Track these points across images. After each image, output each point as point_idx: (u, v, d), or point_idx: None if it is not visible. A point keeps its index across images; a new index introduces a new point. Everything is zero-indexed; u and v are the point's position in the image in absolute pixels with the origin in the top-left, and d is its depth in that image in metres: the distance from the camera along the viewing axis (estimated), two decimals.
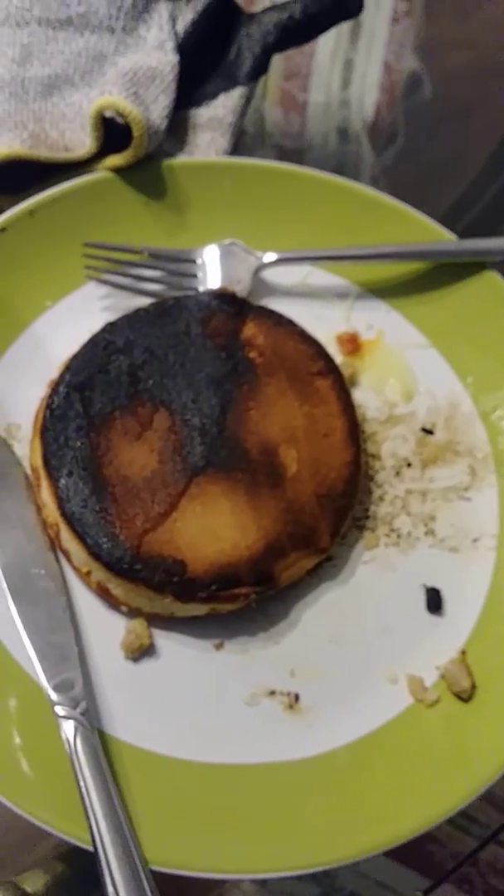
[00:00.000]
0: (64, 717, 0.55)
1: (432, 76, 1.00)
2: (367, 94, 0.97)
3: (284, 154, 0.95)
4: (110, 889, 0.51)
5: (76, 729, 0.55)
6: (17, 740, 0.57)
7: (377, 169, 0.96)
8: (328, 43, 0.98)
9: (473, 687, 0.61)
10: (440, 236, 0.73)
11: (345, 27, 0.99)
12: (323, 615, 0.64)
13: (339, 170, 0.78)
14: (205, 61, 0.78)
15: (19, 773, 0.56)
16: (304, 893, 0.69)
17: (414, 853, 0.70)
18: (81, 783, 0.53)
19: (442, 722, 0.61)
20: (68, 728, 0.55)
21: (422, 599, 0.65)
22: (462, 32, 1.05)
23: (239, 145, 0.81)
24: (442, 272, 0.73)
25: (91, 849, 0.52)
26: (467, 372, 0.71)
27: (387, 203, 0.74)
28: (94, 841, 0.52)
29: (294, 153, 0.96)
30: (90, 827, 0.52)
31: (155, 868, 0.53)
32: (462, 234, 0.74)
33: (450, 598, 0.65)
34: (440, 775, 0.59)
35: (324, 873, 0.65)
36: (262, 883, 0.67)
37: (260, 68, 0.78)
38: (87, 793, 0.53)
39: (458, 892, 0.74)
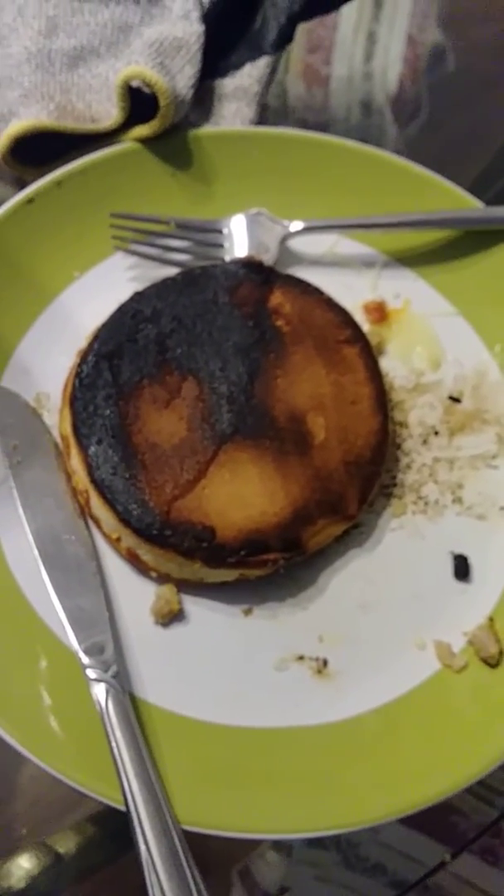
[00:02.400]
0: (95, 679, 0.56)
1: (456, 48, 0.99)
2: (390, 67, 0.96)
3: (308, 128, 0.92)
4: (142, 847, 0.52)
5: (107, 691, 0.56)
6: (50, 703, 0.58)
7: (401, 142, 0.95)
8: (351, 15, 0.98)
9: (501, 653, 0.61)
10: (467, 204, 0.73)
11: (368, 0, 0.99)
12: (351, 581, 0.64)
13: (363, 143, 0.78)
14: (230, 31, 0.78)
15: (53, 735, 0.57)
16: (327, 861, 0.69)
17: (438, 824, 0.71)
18: (113, 744, 0.54)
19: (469, 687, 0.61)
20: (99, 691, 0.56)
21: (449, 566, 0.65)
22: (485, 4, 1.04)
23: (262, 119, 0.81)
24: (469, 240, 0.73)
25: (123, 808, 0.53)
26: (495, 340, 0.71)
27: (414, 171, 0.74)
28: (126, 800, 0.53)
29: (317, 127, 0.94)
30: (122, 787, 0.53)
31: (185, 827, 0.54)
32: (489, 205, 0.73)
33: (477, 564, 0.65)
34: (466, 740, 0.59)
35: (346, 842, 0.66)
36: (288, 853, 0.68)
37: (285, 37, 0.78)
38: (119, 754, 0.54)
39: (482, 863, 0.74)
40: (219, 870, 0.65)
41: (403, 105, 0.96)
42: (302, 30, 0.93)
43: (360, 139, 0.92)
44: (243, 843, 0.65)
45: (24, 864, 0.61)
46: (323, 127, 0.94)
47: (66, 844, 0.63)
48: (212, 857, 0.61)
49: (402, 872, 0.67)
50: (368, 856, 0.71)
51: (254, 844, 0.66)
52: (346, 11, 0.97)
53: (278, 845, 0.67)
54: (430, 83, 0.97)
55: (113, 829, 0.63)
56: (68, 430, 0.64)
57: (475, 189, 0.75)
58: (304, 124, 0.94)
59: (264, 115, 0.83)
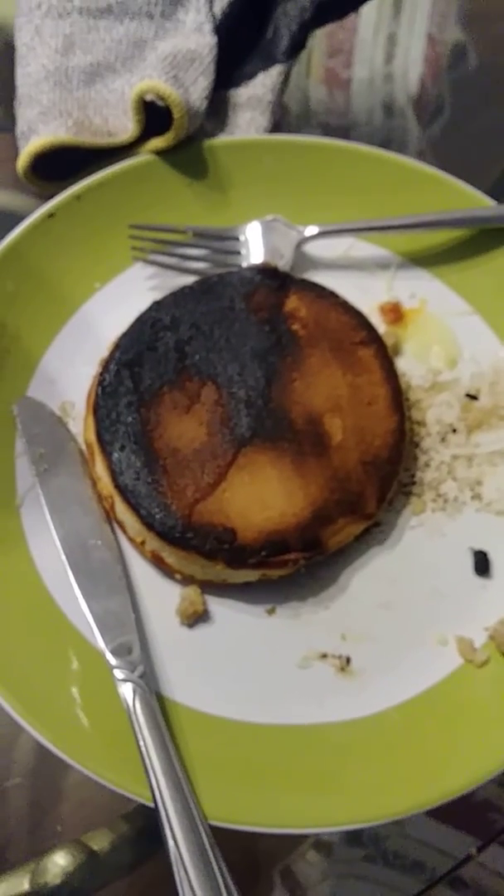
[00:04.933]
0: (123, 679, 0.58)
1: (477, 47, 0.99)
2: (411, 68, 0.97)
3: (330, 131, 0.95)
4: (171, 842, 0.53)
5: (135, 691, 0.57)
6: (80, 703, 0.59)
7: (424, 142, 0.95)
8: (370, 18, 0.98)
9: None
10: (479, 202, 0.73)
11: (387, 1, 0.99)
12: (372, 580, 0.65)
13: (386, 145, 0.79)
14: (242, 41, 0.79)
15: (83, 734, 0.58)
16: (357, 857, 0.69)
17: (466, 817, 0.71)
18: (141, 742, 0.56)
19: (491, 681, 0.62)
20: (127, 690, 0.57)
21: (469, 563, 0.65)
22: None
23: (283, 124, 0.82)
24: (483, 239, 0.73)
25: (151, 805, 0.54)
26: None
27: (424, 171, 0.74)
28: (154, 797, 0.54)
29: (340, 130, 0.96)
30: (150, 784, 0.54)
31: (212, 823, 0.55)
32: None
33: (497, 560, 0.65)
34: (489, 734, 0.59)
35: (375, 837, 0.67)
36: (328, 852, 0.69)
37: (297, 45, 0.80)
38: (147, 751, 0.55)
39: None
40: (260, 871, 0.66)
41: (425, 105, 0.96)
42: (322, 34, 0.94)
43: (383, 141, 0.94)
44: (284, 844, 0.66)
45: (59, 861, 0.62)
46: (345, 130, 0.95)
47: (100, 842, 0.64)
48: (253, 858, 0.63)
49: (431, 865, 0.68)
50: (398, 850, 0.71)
51: (294, 845, 0.67)
52: (366, 14, 0.98)
53: (318, 845, 0.67)
54: (451, 82, 0.98)
55: (145, 826, 0.64)
56: (92, 437, 0.65)
57: (498, 188, 0.76)
58: (326, 128, 0.95)
59: (286, 120, 0.84)
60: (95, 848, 0.64)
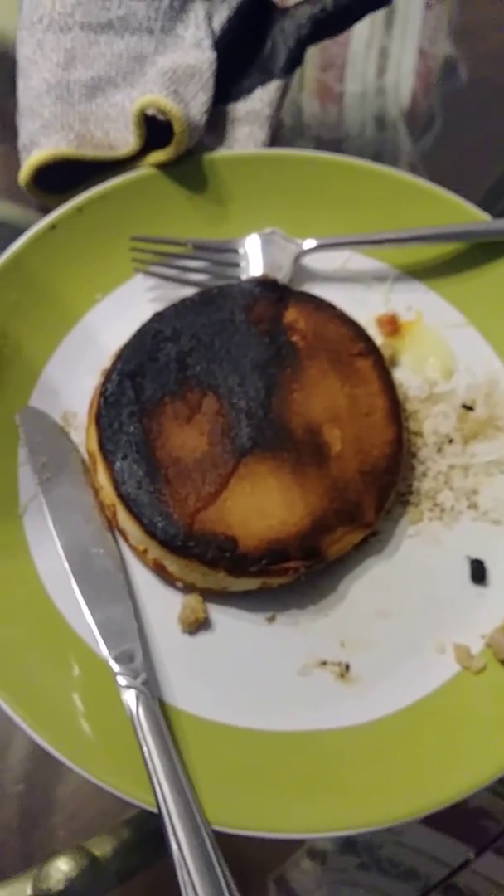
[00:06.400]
0: (126, 686, 0.58)
1: (468, 60, 1.00)
2: (402, 82, 0.98)
3: (323, 145, 0.96)
4: (174, 847, 0.54)
5: (138, 698, 0.58)
6: (83, 710, 0.60)
7: (415, 155, 0.96)
8: (363, 32, 0.99)
9: None
10: (475, 216, 0.75)
11: (379, 15, 1.00)
12: (370, 588, 0.66)
13: (378, 158, 0.80)
14: (241, 57, 0.80)
15: (86, 740, 0.59)
16: (351, 865, 0.70)
17: (461, 824, 0.71)
18: (144, 748, 0.56)
19: (488, 688, 0.63)
20: (130, 697, 0.58)
21: (466, 571, 0.67)
22: (496, 15, 1.06)
23: (277, 137, 0.83)
24: (478, 252, 0.75)
25: (155, 810, 0.55)
26: None
27: (420, 186, 0.76)
28: (157, 802, 0.55)
29: (332, 143, 0.96)
30: (153, 789, 0.55)
31: (215, 828, 0.56)
32: (502, 216, 0.75)
33: (494, 568, 0.66)
34: (487, 739, 0.60)
35: (370, 845, 0.67)
36: (322, 860, 0.69)
37: (294, 61, 0.81)
38: (150, 757, 0.56)
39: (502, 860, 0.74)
40: (255, 878, 0.66)
41: (417, 118, 0.97)
42: (315, 49, 0.95)
43: (375, 154, 0.94)
44: (279, 852, 0.67)
45: (62, 867, 0.63)
46: (338, 143, 0.96)
47: (102, 848, 0.64)
48: (248, 865, 0.63)
49: (426, 873, 0.68)
50: (393, 858, 0.72)
51: (289, 853, 0.67)
52: (358, 29, 0.99)
53: (313, 853, 0.68)
54: (443, 95, 0.99)
55: (148, 832, 0.64)
56: (94, 446, 0.66)
57: (489, 201, 0.77)
58: (319, 141, 0.96)
59: (280, 133, 0.85)
60: (97, 854, 0.64)
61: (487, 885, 0.69)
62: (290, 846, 0.67)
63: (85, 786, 0.58)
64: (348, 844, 0.68)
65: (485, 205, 0.76)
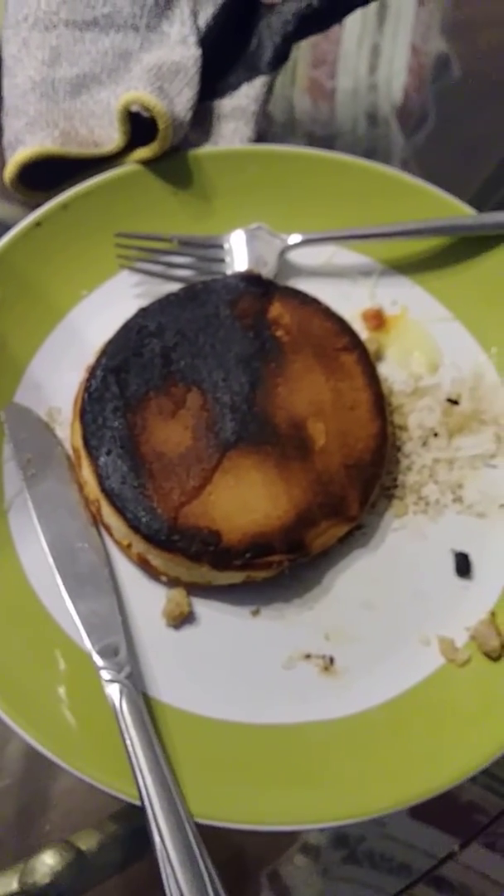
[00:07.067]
0: (109, 680, 0.58)
1: (460, 56, 1.01)
2: (395, 78, 0.98)
3: (315, 141, 0.96)
4: (157, 839, 0.54)
5: (121, 691, 0.58)
6: (67, 703, 0.60)
7: (408, 152, 0.96)
8: (354, 28, 1.00)
9: (503, 646, 0.63)
10: (459, 211, 0.75)
11: (371, 11, 1.00)
12: (355, 581, 0.66)
13: (370, 154, 0.80)
14: (227, 53, 0.81)
15: (70, 734, 0.59)
16: (337, 858, 0.70)
17: (447, 815, 0.71)
18: (128, 742, 0.56)
19: (472, 681, 0.63)
20: (113, 691, 0.58)
21: (451, 564, 0.67)
22: (489, 11, 1.06)
23: (269, 134, 0.83)
24: (463, 246, 0.75)
25: (138, 803, 0.55)
26: (491, 343, 0.73)
27: (405, 180, 0.76)
28: (140, 795, 0.55)
29: (324, 140, 0.97)
30: (137, 782, 0.55)
31: (198, 820, 0.56)
32: (494, 210, 0.75)
33: (478, 561, 0.66)
34: (470, 731, 0.61)
35: (355, 838, 0.67)
36: (315, 856, 0.69)
37: (281, 57, 0.81)
38: (134, 751, 0.56)
39: (491, 853, 0.75)
40: (248, 874, 0.66)
41: (409, 115, 0.97)
42: (306, 45, 0.95)
43: (367, 150, 0.94)
44: (271, 848, 0.67)
45: (48, 861, 0.63)
46: (330, 139, 0.96)
47: (88, 842, 0.65)
48: (241, 862, 0.63)
49: (418, 867, 0.68)
50: (385, 853, 0.72)
51: (282, 848, 0.67)
52: (349, 25, 0.99)
53: (305, 848, 0.68)
54: (435, 92, 0.99)
55: (134, 827, 0.65)
56: (79, 442, 0.66)
57: (480, 197, 0.77)
58: (311, 137, 0.96)
59: (271, 130, 0.85)
60: (83, 848, 0.64)
61: (479, 879, 0.69)
62: (283, 841, 0.67)
63: (80, 784, 0.58)
64: (341, 839, 0.68)
65: (477, 201, 0.76)
